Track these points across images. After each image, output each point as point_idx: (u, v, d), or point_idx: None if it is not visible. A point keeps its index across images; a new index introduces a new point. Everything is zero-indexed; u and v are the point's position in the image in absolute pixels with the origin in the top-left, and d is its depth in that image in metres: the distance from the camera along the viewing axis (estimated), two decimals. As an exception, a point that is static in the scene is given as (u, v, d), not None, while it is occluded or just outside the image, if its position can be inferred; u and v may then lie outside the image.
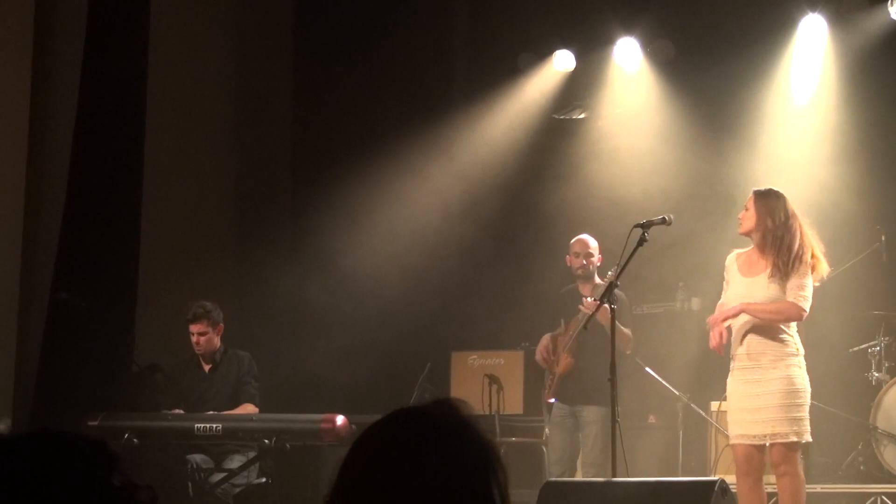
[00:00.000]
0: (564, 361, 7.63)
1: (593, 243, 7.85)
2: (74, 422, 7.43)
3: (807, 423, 6.35)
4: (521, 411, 8.93)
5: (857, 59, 9.18)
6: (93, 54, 8.47)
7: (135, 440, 7.43)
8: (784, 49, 9.40)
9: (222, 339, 8.16)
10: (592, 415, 7.52)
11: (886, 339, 8.39)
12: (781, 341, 6.34)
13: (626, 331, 7.39)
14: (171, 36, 9.41)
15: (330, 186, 10.18)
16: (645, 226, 6.61)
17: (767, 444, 6.33)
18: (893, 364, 8.36)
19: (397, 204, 10.14)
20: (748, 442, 6.35)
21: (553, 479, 7.06)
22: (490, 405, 8.35)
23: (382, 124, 10.23)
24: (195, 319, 8.00)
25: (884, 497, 7.81)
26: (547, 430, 8.07)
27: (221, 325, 8.09)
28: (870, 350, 8.45)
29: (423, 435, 1.77)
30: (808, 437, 6.36)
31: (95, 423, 7.61)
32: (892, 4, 8.90)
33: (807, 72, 9.41)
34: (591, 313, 6.96)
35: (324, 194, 10.22)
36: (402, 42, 10.36)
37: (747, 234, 6.52)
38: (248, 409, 7.91)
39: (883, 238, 8.69)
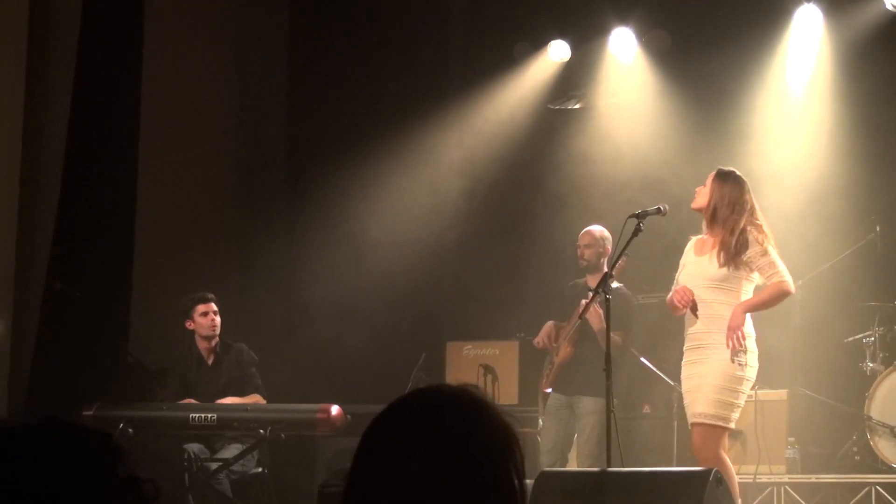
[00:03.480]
0: (564, 350, 7.63)
1: (600, 234, 7.80)
2: (69, 412, 7.41)
3: (737, 411, 6.16)
4: (515, 401, 8.93)
5: (853, 49, 9.18)
6: (88, 42, 8.45)
7: (130, 430, 7.42)
8: (779, 39, 9.40)
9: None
10: (589, 405, 7.51)
11: (881, 329, 8.39)
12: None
13: (618, 338, 7.32)
14: (167, 23, 9.39)
15: (326, 178, 10.18)
16: (640, 216, 6.53)
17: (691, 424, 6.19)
18: (888, 354, 8.37)
19: (392, 195, 10.13)
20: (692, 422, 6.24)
21: (548, 468, 7.06)
22: (485, 395, 8.35)
23: (378, 115, 10.22)
24: (207, 300, 8.00)
25: (878, 487, 7.82)
26: (541, 420, 8.06)
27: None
28: (864, 340, 8.45)
29: (440, 417, 1.71)
30: (732, 426, 6.20)
31: (90, 412, 7.59)
32: (887, -6, 8.91)
33: (802, 62, 9.41)
34: (585, 305, 6.95)
35: (319, 186, 10.22)
36: (398, 31, 10.35)
37: (699, 209, 6.47)
38: (257, 399, 7.91)
39: (878, 229, 8.69)
